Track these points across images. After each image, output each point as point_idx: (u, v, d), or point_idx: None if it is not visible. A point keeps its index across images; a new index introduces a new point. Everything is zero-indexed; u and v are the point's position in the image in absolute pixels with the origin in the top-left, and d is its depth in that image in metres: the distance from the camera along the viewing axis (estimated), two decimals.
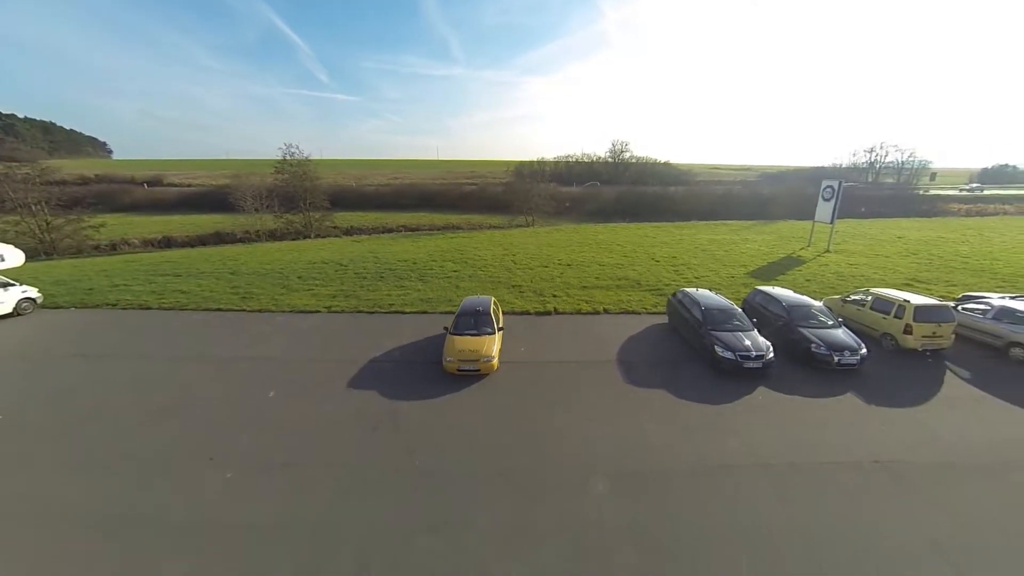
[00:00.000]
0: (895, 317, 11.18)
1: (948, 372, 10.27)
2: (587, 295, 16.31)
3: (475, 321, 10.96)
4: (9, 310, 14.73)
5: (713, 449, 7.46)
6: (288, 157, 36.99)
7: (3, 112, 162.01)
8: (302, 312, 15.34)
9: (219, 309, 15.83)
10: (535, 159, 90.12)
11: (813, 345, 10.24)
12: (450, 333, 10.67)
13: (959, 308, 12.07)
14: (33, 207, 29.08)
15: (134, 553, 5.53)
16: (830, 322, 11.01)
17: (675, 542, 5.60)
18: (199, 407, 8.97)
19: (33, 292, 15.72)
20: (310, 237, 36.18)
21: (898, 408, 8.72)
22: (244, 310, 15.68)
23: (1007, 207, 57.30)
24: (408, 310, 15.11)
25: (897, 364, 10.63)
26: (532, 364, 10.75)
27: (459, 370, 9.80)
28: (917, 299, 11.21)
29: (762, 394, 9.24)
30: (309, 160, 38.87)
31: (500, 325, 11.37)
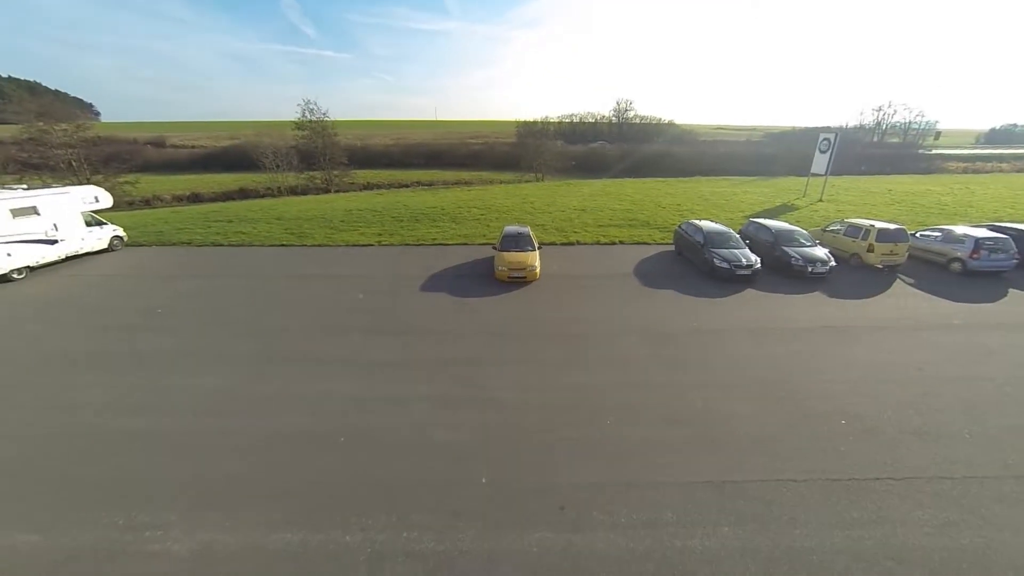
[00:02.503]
0: (862, 239, 13.63)
1: (898, 280, 12.84)
2: (603, 231, 18.69)
3: (518, 241, 13.40)
4: (105, 245, 17.04)
5: (710, 320, 10.09)
6: (307, 114, 38.01)
7: None
8: (356, 246, 17.73)
9: (283, 244, 18.19)
10: (538, 119, 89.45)
11: (792, 259, 12.73)
12: (498, 251, 13.12)
13: (917, 234, 14.50)
14: (74, 164, 30.64)
15: (314, 372, 8.14)
16: (808, 243, 13.45)
17: (684, 364, 8.22)
18: (308, 303, 11.50)
19: (121, 231, 18.00)
20: (331, 192, 37.95)
21: (851, 299, 11.33)
22: (305, 244, 18.06)
23: (1003, 165, 58.71)
24: (450, 242, 17.52)
25: (859, 275, 13.19)
26: (566, 276, 13.28)
27: (510, 277, 12.33)
28: (879, 224, 13.64)
29: (750, 293, 11.81)
30: (327, 118, 39.81)
31: (538, 245, 13.80)
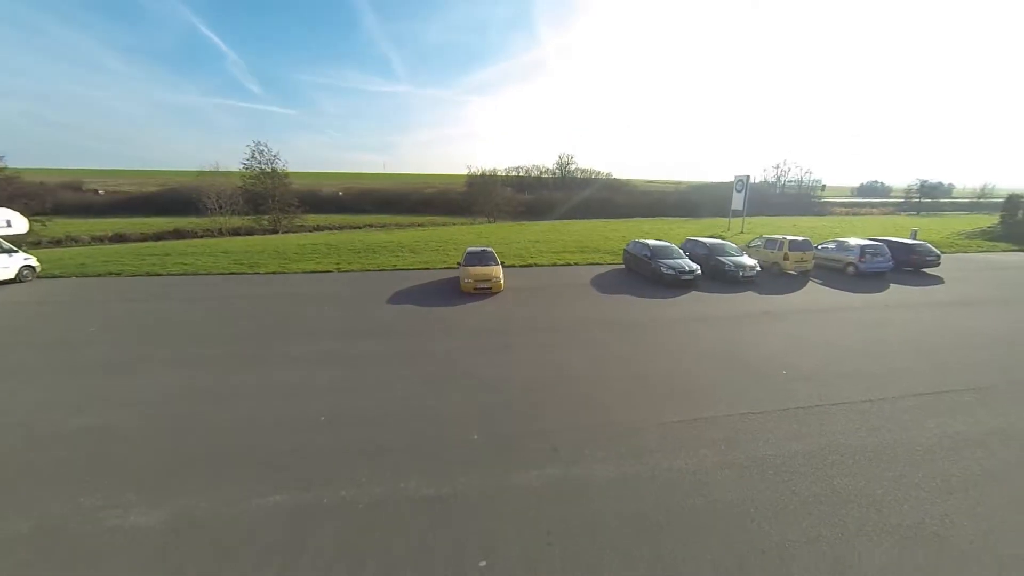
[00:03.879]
0: (778, 250, 15.93)
1: (810, 281, 15.02)
2: (558, 256, 19.95)
3: (482, 257, 14.05)
4: (12, 275, 15.19)
5: (662, 313, 11.12)
6: (256, 156, 37.53)
7: None
8: (314, 272, 17.33)
9: (232, 273, 17.29)
10: (487, 170, 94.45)
11: (726, 266, 14.51)
12: (463, 266, 13.60)
13: (818, 247, 17.22)
14: None
15: (288, 367, 7.79)
16: (737, 254, 15.44)
17: (645, 343, 8.94)
18: (271, 316, 11.03)
19: (33, 260, 16.21)
20: (279, 233, 36.72)
21: (778, 295, 13.07)
22: (257, 272, 17.30)
23: (873, 210, 71.45)
24: (412, 267, 17.71)
25: (780, 279, 15.25)
26: (528, 288, 13.96)
27: (476, 288, 12.75)
28: (790, 237, 16.11)
29: (694, 294, 13.18)
30: (278, 161, 39.39)
31: (500, 262, 14.50)
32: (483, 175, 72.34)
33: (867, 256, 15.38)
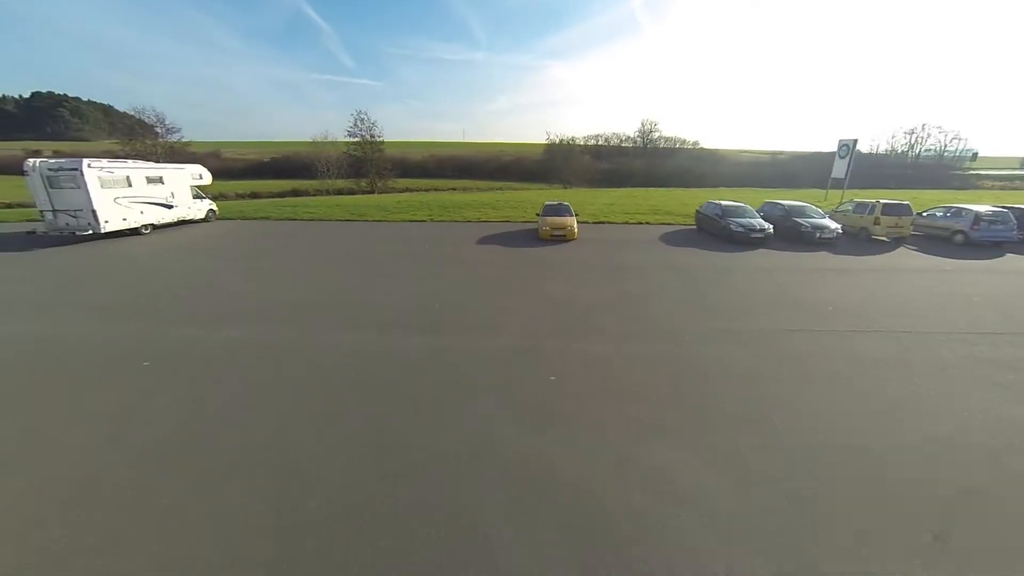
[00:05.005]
0: (868, 214, 15.11)
1: (902, 247, 14.18)
2: (630, 216, 20.69)
3: (558, 209, 15.59)
4: (203, 216, 20.21)
5: (724, 264, 11.81)
6: (358, 123, 42.21)
7: (69, 95, 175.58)
8: (411, 222, 20.29)
9: (346, 220, 20.98)
10: (565, 138, 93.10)
11: (803, 227, 14.34)
12: (541, 216, 15.28)
13: (923, 214, 15.83)
14: None
15: (402, 280, 10.30)
16: (817, 216, 15.02)
17: (702, 282, 9.91)
18: (385, 249, 13.87)
19: (215, 206, 21.25)
20: (376, 194, 41.52)
21: (854, 256, 12.81)
22: (366, 220, 20.77)
23: None
24: (494, 220, 19.85)
25: (866, 244, 14.59)
26: (600, 240, 15.28)
27: (552, 235, 14.42)
28: (885, 200, 15.10)
29: (762, 251, 13.45)
30: (376, 128, 43.91)
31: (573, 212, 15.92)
32: (561, 143, 72.02)
33: (982, 223, 13.96)
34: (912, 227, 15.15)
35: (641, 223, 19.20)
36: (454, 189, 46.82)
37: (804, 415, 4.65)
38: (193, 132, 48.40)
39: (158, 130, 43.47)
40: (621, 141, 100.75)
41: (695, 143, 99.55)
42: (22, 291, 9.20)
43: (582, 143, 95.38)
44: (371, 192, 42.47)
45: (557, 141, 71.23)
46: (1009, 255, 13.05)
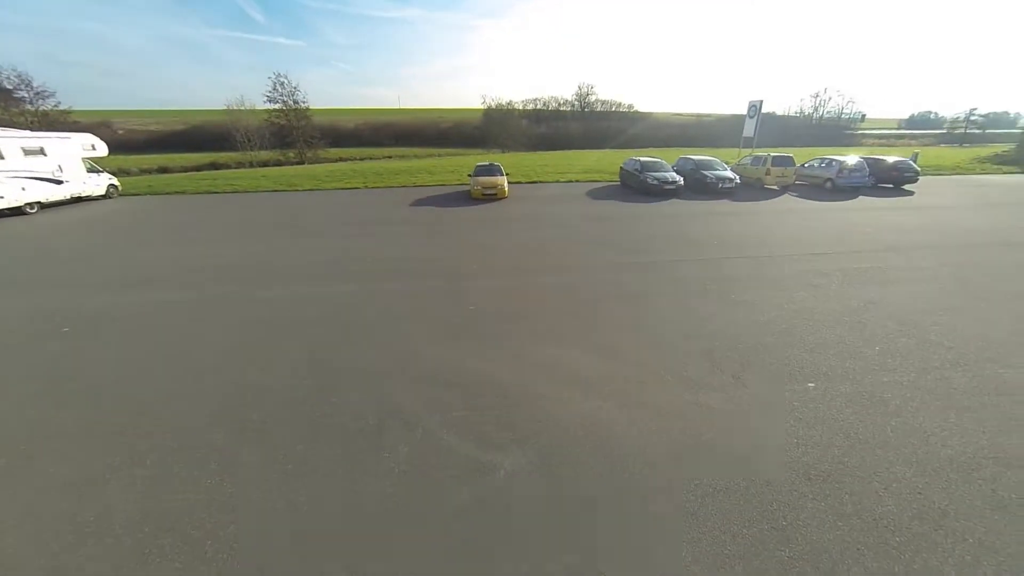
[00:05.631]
0: (761, 166, 17.27)
1: (786, 194, 16.54)
2: (562, 175, 21.72)
3: (490, 169, 16.14)
4: (102, 192, 18.26)
5: (636, 211, 13.22)
6: (278, 87, 38.72)
7: None
8: (344, 189, 19.80)
9: (274, 190, 19.97)
10: (502, 103, 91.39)
11: (708, 178, 16.14)
12: (473, 176, 15.75)
13: (804, 165, 18.35)
14: None
15: (334, 239, 10.49)
16: (721, 169, 16.92)
17: (611, 228, 11.16)
18: (317, 214, 13.71)
19: (116, 181, 19.18)
20: (304, 165, 38.98)
21: (746, 202, 14.83)
22: (296, 190, 19.92)
23: (912, 143, 67.15)
24: (429, 184, 19.94)
25: (759, 192, 16.81)
26: (529, 197, 16.13)
27: (483, 194, 15.01)
28: (775, 154, 17.31)
29: (673, 201, 15.07)
30: (299, 92, 40.57)
31: (505, 174, 16.55)
32: (499, 108, 70.76)
33: (844, 172, 16.60)
34: (796, 177, 17.59)
35: (572, 181, 20.30)
36: (390, 157, 45.08)
37: (674, 318, 5.88)
38: (74, 99, 41.54)
39: (22, 94, 37.05)
40: (559, 105, 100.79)
41: (630, 106, 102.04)
42: None
43: (520, 107, 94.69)
44: (300, 163, 39.78)
45: (494, 106, 70.07)
46: (862, 197, 15.76)
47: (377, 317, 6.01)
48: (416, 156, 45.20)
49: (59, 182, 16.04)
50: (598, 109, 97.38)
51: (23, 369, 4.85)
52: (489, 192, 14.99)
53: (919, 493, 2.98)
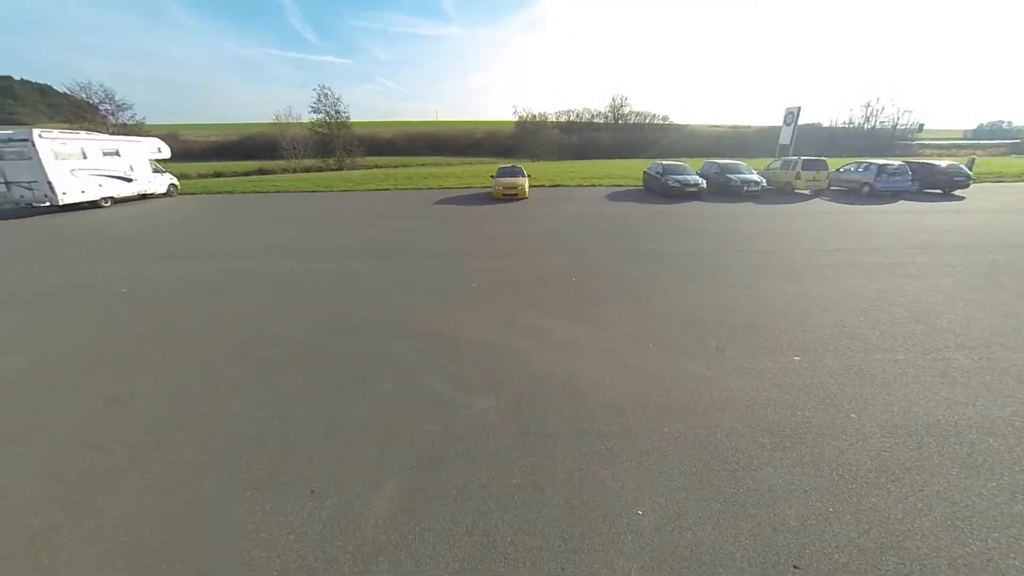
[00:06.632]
0: (791, 170, 16.72)
1: (817, 198, 15.88)
2: (585, 180, 21.87)
3: (512, 171, 16.58)
4: (163, 190, 20.20)
5: (655, 211, 13.14)
6: (322, 99, 41.39)
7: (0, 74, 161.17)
8: (376, 191, 20.86)
9: (313, 191, 21.35)
10: (535, 114, 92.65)
11: (732, 181, 15.82)
12: (495, 178, 16.24)
13: (839, 169, 17.58)
14: None
15: (366, 227, 11.18)
16: (747, 173, 16.53)
17: (627, 225, 11.20)
18: (351, 208, 14.60)
19: (176, 180, 21.19)
20: (343, 171, 41.23)
21: (773, 204, 14.39)
22: (332, 191, 21.20)
23: (978, 152, 62.03)
24: (456, 187, 20.65)
25: (786, 196, 16.24)
26: (550, 198, 16.40)
27: (504, 194, 15.44)
28: (805, 157, 16.72)
29: (695, 203, 14.87)
30: (341, 103, 43.18)
31: (527, 174, 16.95)
32: (532, 119, 71.90)
33: (884, 176, 15.76)
34: (830, 181, 16.89)
35: (595, 185, 20.40)
36: (423, 165, 46.74)
37: (671, 300, 5.92)
38: (147, 114, 46.14)
39: (106, 107, 41.61)
40: (592, 116, 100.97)
41: (665, 117, 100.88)
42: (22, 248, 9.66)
43: (553, 119, 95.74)
44: (339, 169, 42.06)
45: (527, 117, 71.26)
46: (903, 201, 14.89)
47: (387, 288, 6.44)
48: (449, 164, 46.63)
49: (129, 180, 17.94)
50: (632, 121, 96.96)
51: (88, 316, 5.60)
52: (510, 192, 15.41)
53: (885, 451, 2.96)
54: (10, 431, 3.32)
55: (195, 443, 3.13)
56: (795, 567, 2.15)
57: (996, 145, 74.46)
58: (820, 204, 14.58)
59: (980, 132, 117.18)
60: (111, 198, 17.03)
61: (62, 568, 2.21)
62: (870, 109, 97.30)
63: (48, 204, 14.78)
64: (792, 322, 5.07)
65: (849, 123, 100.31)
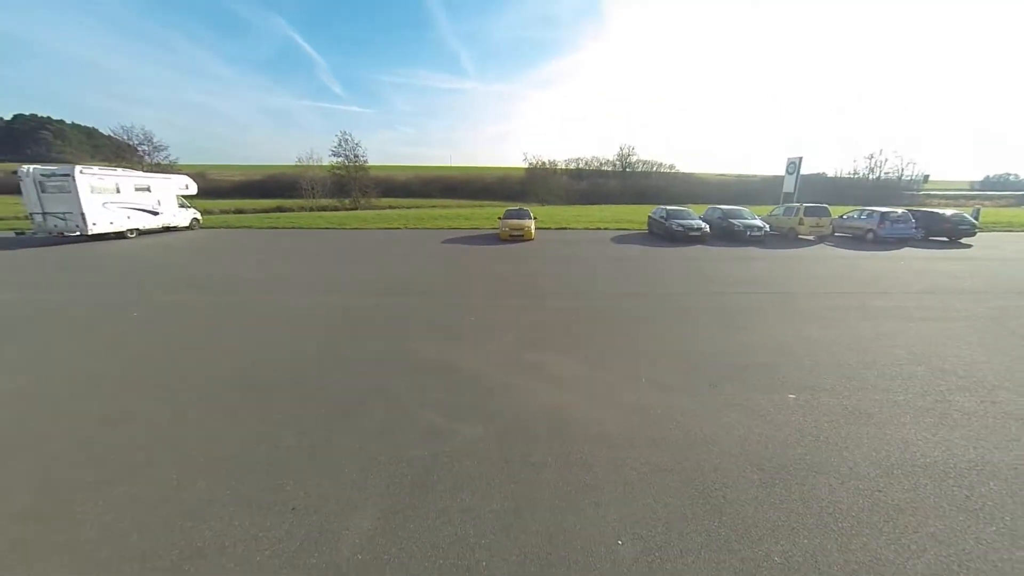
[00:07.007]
0: (794, 216, 17.03)
1: (822, 244, 16.02)
2: (591, 223, 22.43)
3: (518, 214, 17.20)
4: (187, 224, 21.24)
5: (658, 254, 13.36)
6: (343, 144, 44.04)
7: (53, 118, 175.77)
8: (387, 229, 21.64)
9: (327, 228, 22.23)
10: (545, 161, 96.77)
11: (736, 226, 16.13)
12: (502, 219, 16.81)
13: (843, 217, 17.84)
14: None
15: (374, 263, 11.53)
16: (750, 218, 16.87)
17: (628, 267, 11.36)
18: (362, 246, 15.13)
19: (199, 215, 22.31)
20: (358, 211, 42.97)
21: (775, 249, 14.54)
22: (345, 228, 22.05)
23: (986, 203, 62.42)
24: (464, 227, 21.33)
25: (789, 241, 16.42)
26: (556, 240, 16.82)
27: (511, 235, 15.90)
28: (808, 204, 17.07)
29: (697, 247, 15.10)
30: (359, 147, 45.83)
31: (533, 217, 17.50)
32: (542, 165, 75.08)
33: (887, 223, 15.94)
34: (835, 228, 17.10)
35: (600, 228, 20.91)
36: (435, 207, 48.50)
37: (667, 339, 5.95)
38: (182, 156, 49.55)
39: (144, 148, 44.72)
40: (601, 164, 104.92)
41: (671, 166, 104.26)
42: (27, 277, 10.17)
43: (563, 166, 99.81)
44: (354, 209, 43.87)
45: (536, 164, 74.43)
46: (907, 249, 14.94)
47: (385, 322, 6.58)
48: (460, 206, 48.35)
49: (156, 213, 18.96)
50: (639, 169, 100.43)
51: (96, 337, 5.81)
52: (516, 233, 15.88)
53: (879, 491, 2.87)
54: (11, 441, 3.41)
55: (183, 461, 3.17)
56: None
57: (1004, 196, 75.46)
58: (824, 249, 14.70)
59: (987, 184, 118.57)
60: (136, 229, 17.94)
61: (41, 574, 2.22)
62: (873, 161, 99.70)
63: (78, 233, 15.62)
64: (789, 362, 5.04)
65: (854, 174, 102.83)
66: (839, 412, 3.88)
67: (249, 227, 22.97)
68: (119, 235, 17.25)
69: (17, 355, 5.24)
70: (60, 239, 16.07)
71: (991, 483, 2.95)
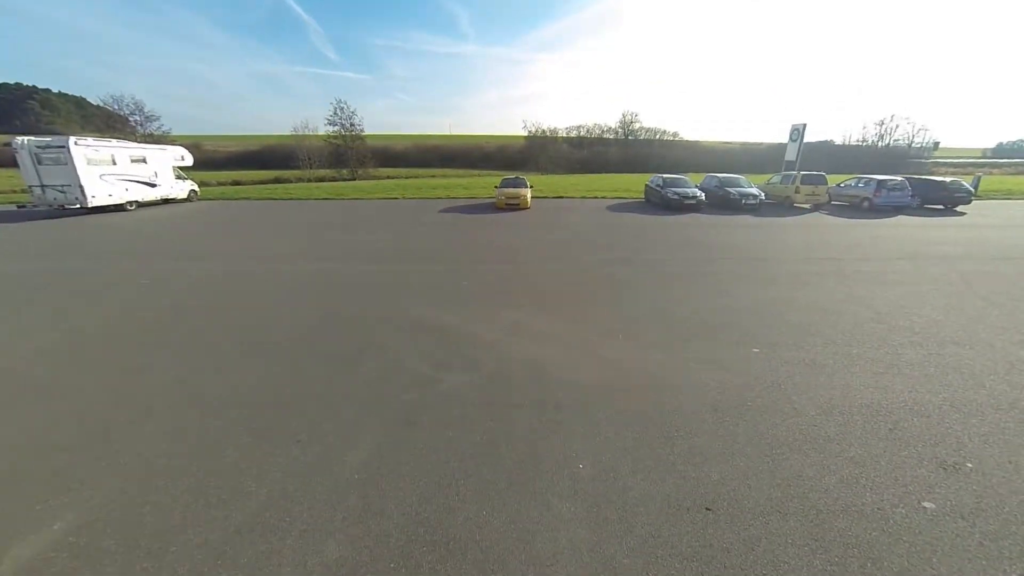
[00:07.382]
0: (791, 184, 16.98)
1: (817, 212, 16.08)
2: (588, 192, 22.35)
3: (515, 182, 17.14)
4: (184, 196, 21.25)
5: (651, 221, 13.50)
6: (338, 112, 43.02)
7: (39, 87, 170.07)
8: (385, 199, 21.64)
9: (325, 199, 22.22)
10: (546, 129, 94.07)
11: (731, 194, 16.14)
12: (498, 188, 16.82)
13: (840, 185, 17.77)
14: None
15: (373, 231, 11.76)
16: (746, 186, 16.83)
17: (619, 234, 11.58)
18: (362, 214, 15.27)
19: (196, 187, 22.27)
20: (356, 181, 42.55)
21: (770, 217, 14.64)
22: (344, 198, 22.04)
23: (994, 171, 61.06)
24: (461, 196, 21.31)
25: (784, 209, 16.47)
26: (552, 208, 16.90)
27: (507, 204, 15.98)
28: (804, 172, 16.98)
29: (692, 215, 15.20)
30: (356, 116, 44.80)
31: (529, 185, 17.50)
32: (542, 133, 73.24)
33: (884, 191, 15.93)
34: (831, 196, 17.09)
35: (597, 197, 20.88)
36: (433, 176, 47.91)
37: (648, 300, 6.27)
38: (174, 126, 48.47)
39: (136, 118, 43.80)
40: (603, 132, 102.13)
41: (675, 134, 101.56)
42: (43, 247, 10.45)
43: (564, 134, 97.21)
44: (352, 179, 43.42)
45: (536, 132, 72.59)
46: (901, 216, 15.02)
47: (382, 287, 6.89)
48: (458, 176, 47.75)
49: (153, 185, 18.97)
50: (641, 137, 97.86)
51: (108, 303, 6.16)
52: (512, 202, 15.95)
53: (815, 425, 3.25)
54: (45, 387, 3.81)
55: (198, 404, 3.56)
56: (707, 509, 2.47)
57: (1015, 164, 73.40)
58: (817, 217, 14.79)
59: (999, 151, 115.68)
60: (135, 202, 18.03)
61: (89, 481, 2.63)
62: (884, 127, 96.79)
63: (78, 206, 15.75)
64: (759, 321, 5.37)
65: (863, 141, 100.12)
66: (796, 363, 4.24)
67: (247, 198, 22.99)
68: (119, 207, 17.37)
69: (41, 318, 5.61)
70: (61, 212, 16.21)
71: (915, 419, 3.33)
